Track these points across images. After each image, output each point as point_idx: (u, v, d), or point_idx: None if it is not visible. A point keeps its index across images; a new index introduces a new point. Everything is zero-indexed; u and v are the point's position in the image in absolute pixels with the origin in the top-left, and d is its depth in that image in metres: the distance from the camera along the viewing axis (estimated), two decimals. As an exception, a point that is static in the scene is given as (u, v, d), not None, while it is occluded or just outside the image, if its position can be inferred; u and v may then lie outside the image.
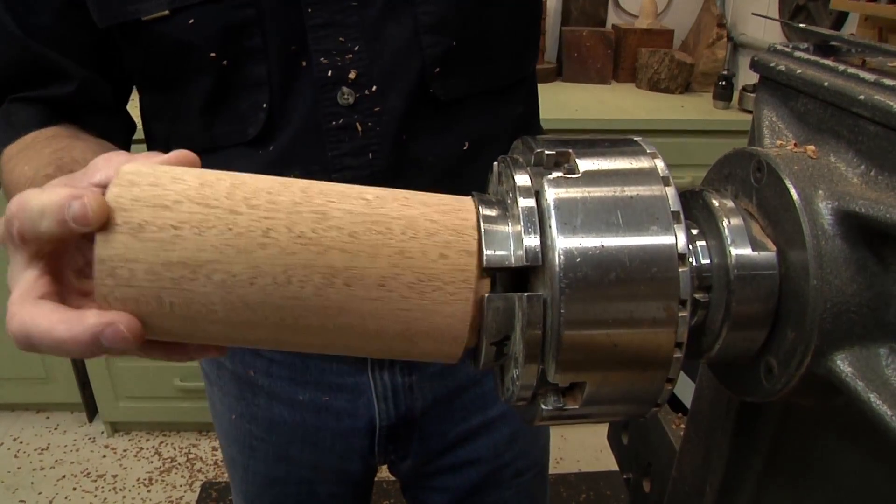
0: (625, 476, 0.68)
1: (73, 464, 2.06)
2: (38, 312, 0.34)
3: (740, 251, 0.32)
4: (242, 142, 0.65)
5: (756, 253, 0.32)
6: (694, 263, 0.33)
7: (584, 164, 0.31)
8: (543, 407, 0.33)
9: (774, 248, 0.32)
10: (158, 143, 0.73)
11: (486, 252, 0.32)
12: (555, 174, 0.30)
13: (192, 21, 0.60)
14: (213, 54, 0.62)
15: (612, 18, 2.40)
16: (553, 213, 0.30)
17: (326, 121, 0.64)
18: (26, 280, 0.35)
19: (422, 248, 0.32)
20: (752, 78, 2.19)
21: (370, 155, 0.65)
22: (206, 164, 0.67)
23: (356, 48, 0.62)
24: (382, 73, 0.63)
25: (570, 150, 0.30)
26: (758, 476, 0.41)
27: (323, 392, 0.79)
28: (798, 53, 0.39)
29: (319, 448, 0.82)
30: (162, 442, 2.15)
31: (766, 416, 0.39)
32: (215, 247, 0.31)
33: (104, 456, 2.10)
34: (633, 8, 2.38)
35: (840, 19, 1.75)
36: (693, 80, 2.22)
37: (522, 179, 0.31)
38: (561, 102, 2.02)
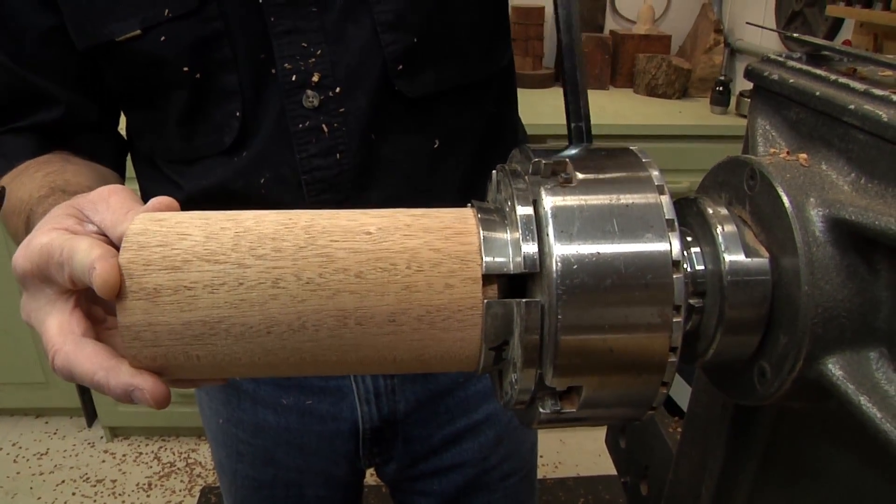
0: (622, 479, 0.69)
1: (73, 469, 2.07)
2: (81, 354, 0.37)
3: (734, 257, 0.33)
4: (220, 151, 0.66)
5: (749, 259, 0.33)
6: (688, 269, 0.34)
7: (581, 174, 0.31)
8: (542, 410, 0.34)
9: (767, 254, 0.33)
10: (143, 158, 0.74)
11: (486, 259, 0.32)
12: (552, 183, 0.31)
13: (163, 38, 0.61)
14: (185, 68, 0.63)
15: (610, 24, 2.42)
16: (550, 220, 0.31)
17: (294, 124, 0.65)
18: (61, 315, 0.38)
19: (427, 280, 0.32)
20: (748, 83, 2.20)
21: (338, 155, 0.65)
22: (186, 175, 0.68)
23: (318, 52, 0.63)
24: (345, 75, 0.64)
25: (567, 160, 0.31)
26: (753, 478, 0.41)
27: (306, 396, 0.80)
28: (791, 63, 0.40)
29: (305, 451, 0.83)
30: (161, 447, 2.15)
31: (760, 420, 0.40)
32: (229, 303, 0.32)
33: (103, 461, 2.10)
34: (630, 14, 2.39)
35: (836, 25, 1.76)
36: (690, 86, 2.23)
37: (521, 188, 0.32)
38: (559, 107, 2.02)
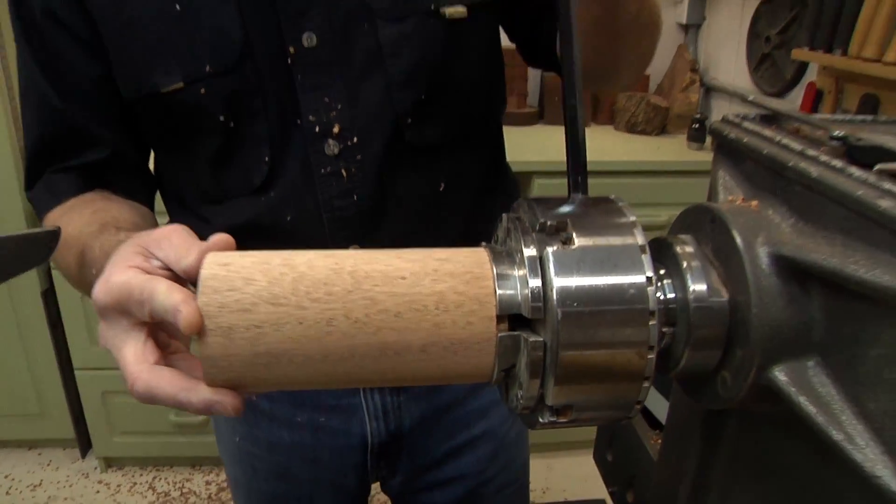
0: (610, 490, 0.75)
1: (67, 500, 2.09)
2: (160, 378, 0.44)
3: (697, 287, 0.40)
4: (249, 191, 0.74)
5: (709, 289, 0.40)
6: (661, 297, 0.41)
7: (577, 234, 0.38)
8: (541, 420, 0.41)
9: (725, 285, 0.40)
10: (172, 197, 0.81)
11: (499, 299, 0.39)
12: (556, 245, 0.38)
13: (203, 91, 0.69)
14: (221, 117, 0.70)
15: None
16: (552, 264, 0.38)
17: (317, 169, 0.72)
18: (135, 345, 0.45)
19: (452, 319, 0.39)
20: (723, 121, 2.31)
21: (355, 196, 0.73)
22: (216, 213, 0.75)
23: (339, 106, 0.71)
24: (362, 126, 0.72)
25: (568, 220, 0.38)
26: (723, 476, 0.49)
27: (320, 413, 0.86)
28: (745, 124, 0.48)
29: (317, 465, 0.89)
30: (156, 477, 2.18)
31: (727, 422, 0.47)
32: (291, 338, 0.39)
33: (97, 491, 2.12)
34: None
35: (802, 68, 1.87)
36: (668, 123, 2.34)
37: (529, 247, 0.39)
38: (543, 144, 2.12)
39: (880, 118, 0.52)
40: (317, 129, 0.70)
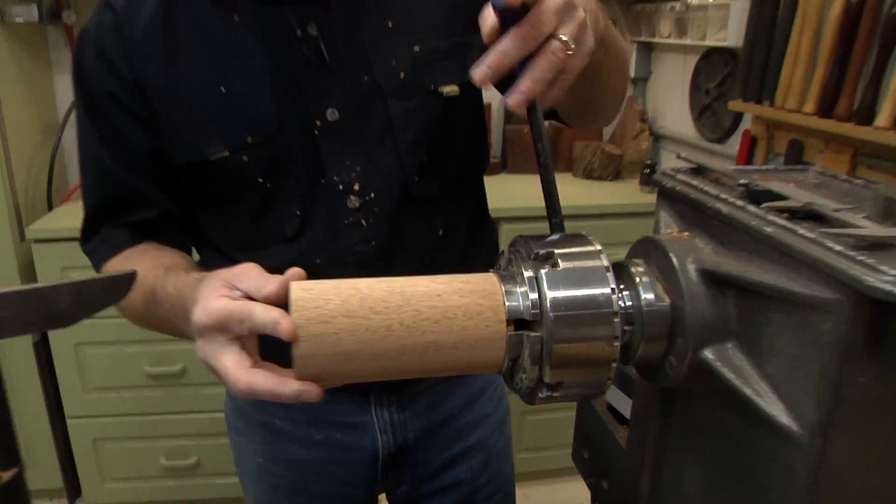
0: (588, 481, 0.89)
1: (60, 549, 2.14)
2: (257, 377, 0.58)
3: (647, 296, 0.56)
4: (282, 240, 0.88)
5: (656, 297, 0.56)
6: (622, 304, 0.56)
7: (563, 263, 0.54)
8: (540, 395, 0.55)
9: (667, 293, 0.56)
10: (209, 246, 0.95)
11: (507, 304, 0.54)
12: (547, 269, 0.53)
13: (245, 158, 0.83)
14: (260, 179, 0.85)
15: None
16: (545, 281, 0.53)
17: (341, 220, 0.87)
18: (232, 355, 0.59)
19: (475, 324, 0.54)
20: (672, 165, 2.51)
21: (372, 242, 0.88)
22: (251, 259, 0.89)
23: (358, 168, 0.86)
24: (377, 184, 0.87)
25: (554, 251, 0.53)
26: (677, 442, 0.63)
27: (335, 430, 0.99)
28: (679, 176, 0.64)
29: (333, 479, 1.01)
30: (148, 522, 2.24)
31: (676, 401, 0.62)
32: (361, 342, 0.53)
33: (90, 539, 2.18)
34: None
35: (738, 117, 2.08)
36: (622, 169, 2.53)
37: (528, 271, 0.54)
38: (507, 192, 2.29)
39: (779, 167, 0.69)
40: (340, 187, 0.85)
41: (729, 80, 2.11)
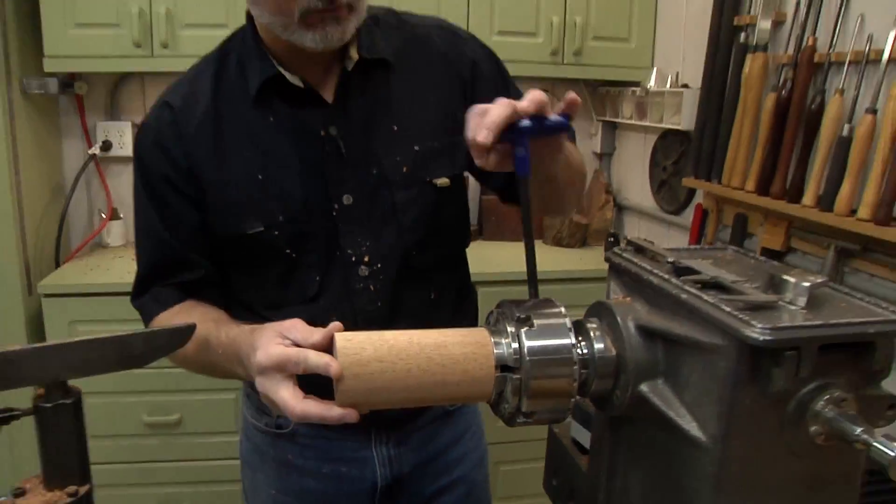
0: (556, 504, 1.06)
1: None
2: (309, 405, 0.75)
3: (598, 346, 0.75)
4: (303, 301, 1.06)
5: (605, 346, 0.75)
6: (579, 352, 0.75)
7: (536, 321, 0.72)
8: (518, 420, 0.73)
9: (613, 343, 0.75)
10: (240, 304, 1.12)
11: (496, 352, 0.73)
12: (525, 327, 0.72)
13: (276, 233, 1.02)
14: (287, 250, 1.03)
15: (522, 187, 2.95)
16: (524, 336, 0.72)
17: (353, 286, 1.05)
18: (288, 389, 0.76)
19: (472, 367, 0.72)
20: (634, 233, 2.74)
21: (378, 303, 1.06)
22: (277, 316, 1.09)
23: (367, 243, 1.05)
24: (383, 256, 1.06)
25: (531, 314, 0.72)
26: (625, 459, 0.81)
27: (341, 464, 1.15)
28: (624, 254, 0.84)
29: None
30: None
31: (623, 426, 0.80)
32: (388, 380, 0.70)
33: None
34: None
35: (692, 192, 2.31)
36: (588, 237, 2.75)
37: (511, 328, 0.73)
38: (484, 258, 2.48)
39: (704, 247, 0.89)
40: (353, 258, 1.04)
41: (683, 158, 2.35)
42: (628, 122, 2.61)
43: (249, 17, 1.03)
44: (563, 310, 0.75)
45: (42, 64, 2.28)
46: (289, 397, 0.75)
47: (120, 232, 2.68)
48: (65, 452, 0.81)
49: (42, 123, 2.50)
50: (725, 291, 0.70)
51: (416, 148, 1.05)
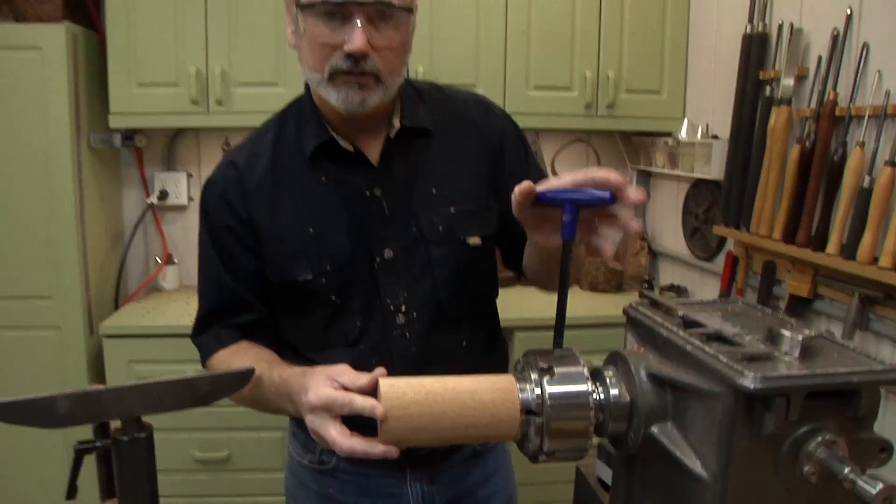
0: (582, 541, 1.13)
1: None
2: (355, 442, 0.84)
3: (614, 392, 0.83)
4: (345, 344, 1.16)
5: (619, 392, 0.83)
6: (596, 398, 0.83)
7: (558, 370, 0.81)
8: (541, 458, 0.82)
9: (627, 390, 0.83)
10: (287, 345, 1.22)
11: (521, 397, 0.81)
12: (547, 376, 0.81)
13: (324, 281, 1.13)
14: (333, 297, 1.14)
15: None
16: (545, 383, 0.81)
17: (391, 332, 1.15)
18: (335, 427, 0.86)
19: (500, 411, 0.80)
20: (668, 279, 2.80)
21: (413, 349, 1.16)
22: (320, 358, 1.19)
23: (405, 294, 1.15)
24: (418, 306, 1.16)
25: (553, 364, 0.81)
26: (638, 491, 0.88)
27: (378, 499, 1.23)
28: (640, 308, 0.92)
29: None
30: None
31: (637, 462, 0.88)
32: (426, 421, 0.79)
33: None
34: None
35: (722, 240, 2.37)
36: (624, 283, 2.82)
37: (535, 375, 0.81)
38: (524, 304, 2.55)
39: (717, 300, 0.97)
40: (391, 307, 1.14)
41: (714, 207, 2.41)
42: (661, 171, 2.69)
43: (307, 86, 1.15)
44: (582, 361, 0.84)
45: (107, 120, 2.47)
46: (336, 434, 0.85)
47: (174, 276, 2.83)
48: (138, 481, 0.92)
49: (105, 174, 2.68)
50: (727, 343, 0.78)
51: (452, 210, 1.16)
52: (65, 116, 2.34)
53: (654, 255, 2.91)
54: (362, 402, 0.83)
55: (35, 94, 2.32)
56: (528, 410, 0.81)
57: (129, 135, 2.71)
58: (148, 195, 2.83)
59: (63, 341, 2.40)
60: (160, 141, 2.84)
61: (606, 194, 0.87)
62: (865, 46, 1.72)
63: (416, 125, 1.16)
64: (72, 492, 0.91)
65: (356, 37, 1.00)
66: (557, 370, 0.82)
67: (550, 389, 0.80)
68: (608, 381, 0.84)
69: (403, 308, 1.15)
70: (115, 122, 2.48)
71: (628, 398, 0.83)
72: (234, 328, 1.18)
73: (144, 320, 2.41)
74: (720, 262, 2.36)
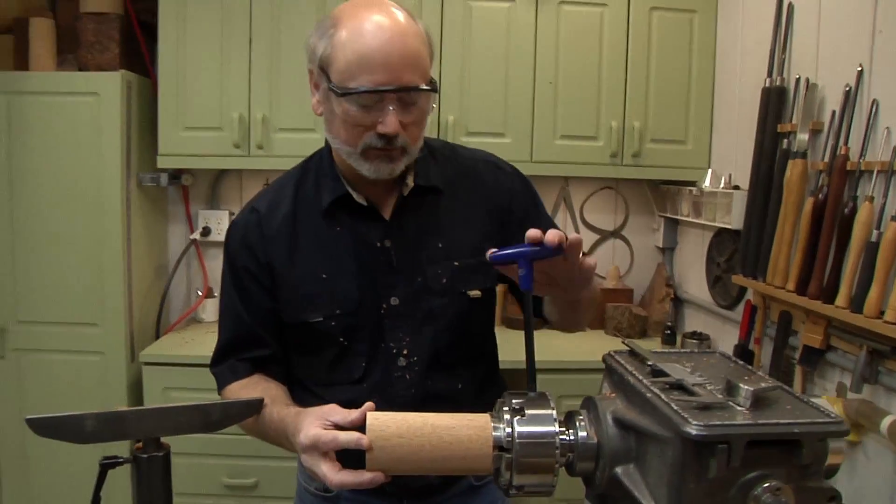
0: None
1: None
2: (345, 475, 0.93)
3: (581, 434, 0.89)
4: (350, 381, 1.24)
5: (587, 434, 0.89)
6: (565, 439, 0.89)
7: (528, 412, 0.88)
8: (511, 492, 0.88)
9: (595, 432, 0.89)
10: (295, 380, 1.31)
11: (494, 434, 0.88)
12: (518, 416, 0.88)
13: (333, 323, 1.22)
14: (340, 338, 1.22)
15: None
16: (515, 423, 0.88)
17: (392, 373, 1.23)
18: (326, 463, 0.94)
19: (475, 447, 0.87)
20: (692, 326, 2.82)
21: (412, 390, 1.23)
22: (328, 393, 1.29)
23: (407, 339, 1.23)
24: (419, 351, 1.24)
25: (524, 405, 0.88)
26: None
27: None
28: (616, 357, 0.99)
29: None
30: None
31: (610, 499, 0.93)
32: (407, 453, 0.87)
33: None
34: (601, 271, 3.07)
35: (743, 289, 2.40)
36: (648, 328, 2.85)
37: (507, 416, 0.88)
38: (551, 347, 2.60)
39: (694, 350, 1.03)
40: (394, 350, 1.23)
41: (735, 256, 2.45)
42: (686, 219, 2.73)
43: (327, 141, 1.26)
44: (552, 402, 0.91)
45: (156, 161, 2.63)
46: (327, 470, 0.93)
47: (214, 309, 2.96)
48: (155, 497, 1.01)
49: (152, 211, 2.84)
50: (687, 393, 0.84)
51: (456, 263, 1.24)
52: (117, 156, 2.51)
53: (679, 301, 2.93)
54: (347, 437, 0.91)
55: (91, 135, 2.50)
56: (500, 447, 0.88)
57: (175, 174, 2.87)
58: (192, 231, 2.98)
59: (106, 367, 2.54)
60: (205, 180, 3.00)
61: (551, 246, 0.95)
62: (875, 103, 1.76)
63: (428, 184, 1.26)
64: (96, 502, 1.01)
65: (390, 121, 1.10)
66: (528, 411, 0.89)
67: (520, 429, 0.87)
68: (578, 423, 0.91)
69: (405, 352, 1.23)
70: (162, 162, 2.64)
71: (595, 440, 0.89)
72: (248, 361, 1.28)
73: (182, 350, 2.53)
74: (741, 311, 2.38)
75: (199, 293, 2.97)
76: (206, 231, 2.95)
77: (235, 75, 2.59)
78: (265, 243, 1.25)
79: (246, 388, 1.24)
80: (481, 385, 1.34)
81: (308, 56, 1.18)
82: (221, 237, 2.95)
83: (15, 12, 2.58)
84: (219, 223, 2.96)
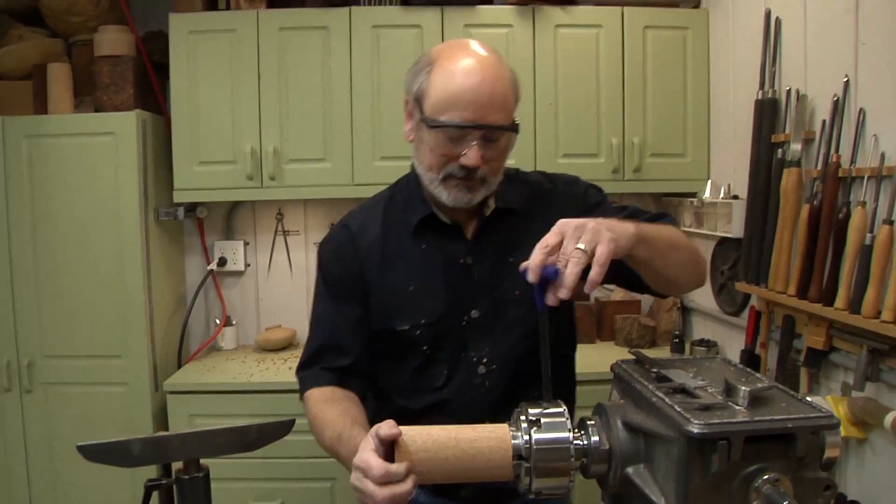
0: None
1: None
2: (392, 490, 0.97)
3: (594, 439, 0.96)
4: (433, 389, 1.33)
5: (600, 439, 0.96)
6: (580, 444, 0.96)
7: (544, 421, 0.95)
8: (531, 496, 0.95)
9: (607, 437, 0.96)
10: (380, 391, 1.39)
11: (513, 443, 0.95)
12: (535, 427, 0.95)
13: (418, 332, 1.32)
14: (424, 347, 1.32)
15: (594, 293, 3.16)
16: (532, 433, 0.95)
17: (472, 381, 1.32)
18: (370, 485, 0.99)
19: (495, 457, 0.94)
20: (699, 334, 2.88)
21: (491, 396, 1.32)
22: (409, 403, 1.42)
23: (487, 348, 1.32)
24: (499, 360, 1.33)
25: (540, 416, 0.95)
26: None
27: None
28: (623, 365, 1.06)
29: None
30: None
31: (624, 499, 1.00)
32: (434, 465, 0.94)
33: None
34: (610, 284, 3.13)
35: (747, 296, 2.46)
36: (657, 338, 2.91)
37: (524, 426, 0.95)
38: (602, 359, 2.63)
39: (696, 357, 1.10)
40: (475, 359, 1.33)
41: (738, 263, 2.51)
42: (689, 229, 2.80)
43: (413, 167, 1.37)
44: (565, 411, 0.98)
45: (172, 195, 2.72)
46: (374, 488, 0.96)
47: (232, 337, 3.04)
48: (197, 517, 1.08)
49: (170, 243, 2.93)
50: (689, 395, 0.91)
51: None
52: (134, 192, 2.60)
53: (686, 310, 2.99)
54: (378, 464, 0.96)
55: (109, 173, 2.59)
56: (518, 455, 0.95)
57: (191, 207, 2.96)
58: (208, 262, 3.07)
59: (131, 397, 2.62)
60: (219, 212, 3.09)
61: (554, 267, 1.03)
62: (862, 112, 1.83)
63: (507, 206, 1.37)
64: (139, 522, 1.08)
65: (472, 154, 1.23)
66: (544, 421, 0.96)
67: (537, 437, 0.94)
68: (590, 429, 0.98)
69: (485, 360, 1.33)
70: (178, 196, 2.73)
71: (607, 444, 0.96)
72: (331, 372, 1.36)
73: (205, 377, 2.61)
74: (746, 317, 2.44)
75: (217, 322, 3.05)
76: (221, 261, 3.03)
77: (246, 110, 2.68)
78: (359, 256, 1.36)
79: (329, 402, 1.30)
80: (557, 391, 1.42)
81: (405, 88, 1.33)
82: (237, 266, 3.04)
83: (34, 60, 2.68)
84: (234, 253, 3.04)
